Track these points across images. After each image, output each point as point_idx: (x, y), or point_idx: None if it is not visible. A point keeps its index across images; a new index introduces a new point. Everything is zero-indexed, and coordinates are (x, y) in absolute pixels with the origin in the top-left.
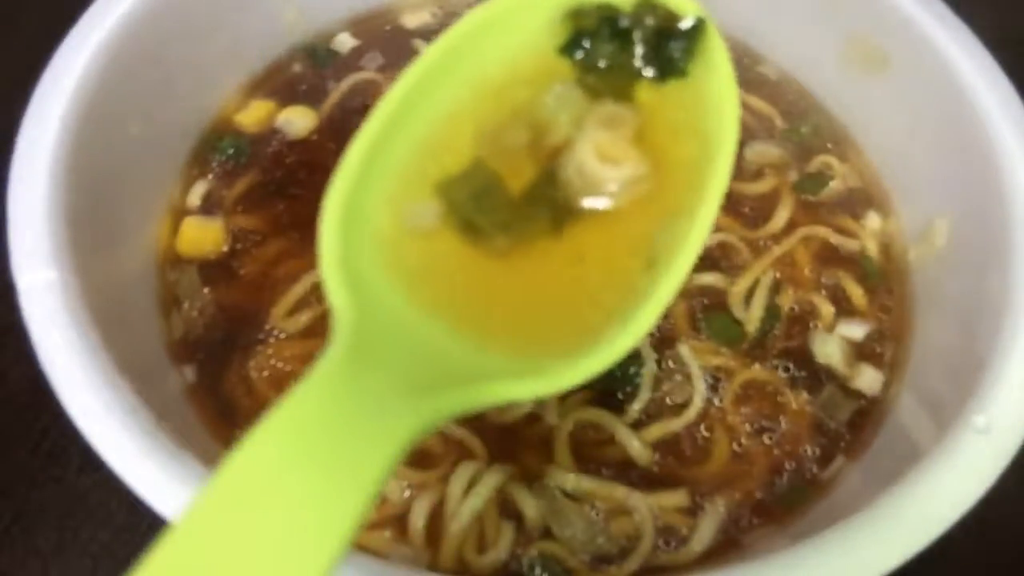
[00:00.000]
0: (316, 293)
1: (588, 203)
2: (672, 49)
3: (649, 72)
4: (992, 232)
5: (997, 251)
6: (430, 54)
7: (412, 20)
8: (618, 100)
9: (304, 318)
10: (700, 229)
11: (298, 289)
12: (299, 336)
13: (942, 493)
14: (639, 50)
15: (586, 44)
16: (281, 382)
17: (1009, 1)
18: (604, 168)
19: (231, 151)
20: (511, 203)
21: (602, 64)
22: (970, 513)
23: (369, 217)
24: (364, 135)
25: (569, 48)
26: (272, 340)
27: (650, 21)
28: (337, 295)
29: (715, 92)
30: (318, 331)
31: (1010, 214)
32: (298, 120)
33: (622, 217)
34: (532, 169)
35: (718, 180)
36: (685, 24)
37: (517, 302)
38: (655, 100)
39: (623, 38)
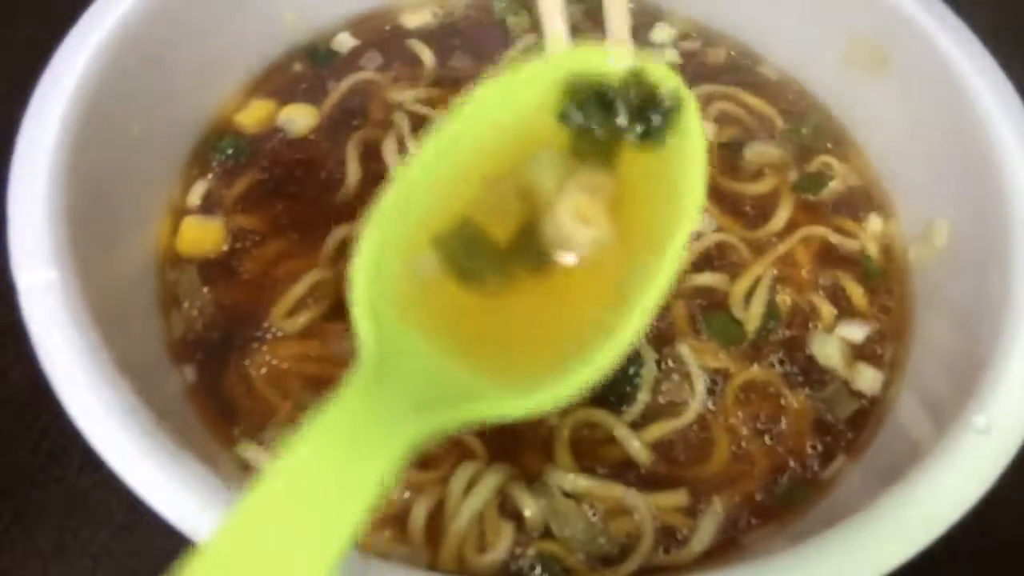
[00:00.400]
0: (315, 293)
1: (563, 255)
2: (652, 119)
3: (632, 139)
4: (992, 232)
5: (997, 251)
6: (445, 126)
7: (412, 20)
8: (604, 164)
9: (303, 319)
10: (661, 281)
11: (298, 289)
12: (298, 336)
13: (942, 493)
14: (623, 119)
15: (579, 112)
16: (281, 381)
17: (1009, 1)
18: (578, 227)
19: (231, 151)
20: (497, 250)
21: (592, 130)
22: (970, 513)
23: (386, 264)
24: (390, 192)
25: (565, 115)
26: (272, 340)
27: (635, 94)
28: (364, 329)
29: (687, 162)
30: (317, 331)
31: (1010, 214)
32: (300, 118)
33: (594, 267)
34: (519, 222)
35: (678, 240)
36: (665, 97)
37: (507, 335)
38: (635, 165)
39: (611, 108)
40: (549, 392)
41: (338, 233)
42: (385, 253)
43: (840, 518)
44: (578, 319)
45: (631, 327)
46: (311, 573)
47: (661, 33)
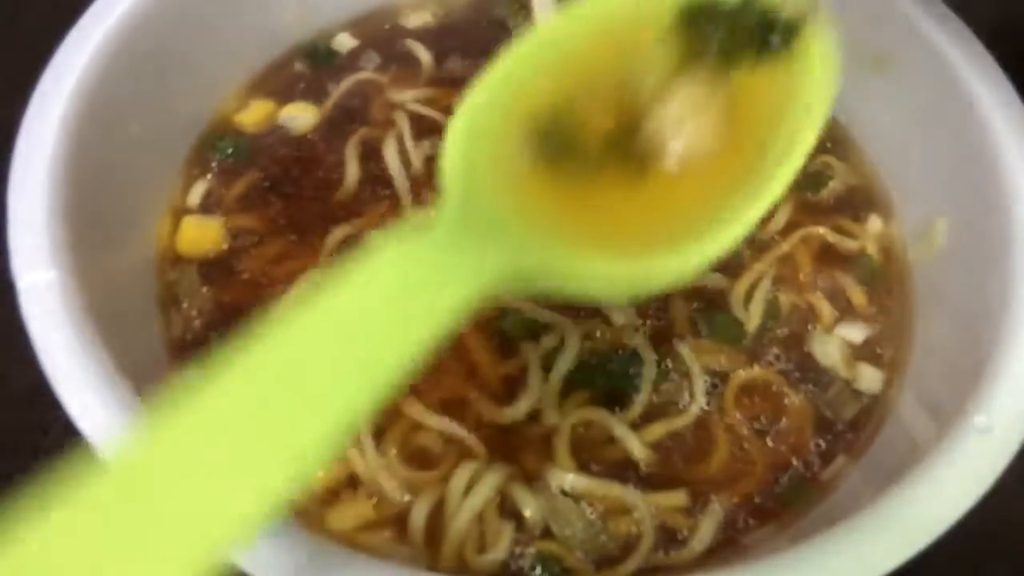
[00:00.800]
0: None
1: (662, 160)
2: (770, 40)
3: (747, 59)
4: (992, 232)
5: (997, 251)
6: (555, 20)
7: (412, 20)
8: (714, 80)
9: None
10: (759, 206)
11: (297, 291)
12: None
13: (942, 493)
14: (740, 38)
15: (694, 27)
16: None
17: (1009, 0)
18: (680, 134)
19: (231, 151)
20: (596, 143)
21: (706, 47)
22: (970, 513)
23: (482, 133)
24: (495, 68)
25: (679, 29)
26: None
27: (753, 10)
28: (451, 171)
29: (809, 81)
30: None
31: (1010, 214)
32: (301, 116)
33: (693, 176)
34: (619, 120)
35: (795, 155)
36: (786, 16)
37: (592, 227)
38: (747, 84)
39: (727, 25)
40: (633, 279)
41: (337, 233)
42: (483, 123)
43: (840, 518)
44: (670, 223)
45: (728, 234)
46: (358, 398)
47: None
